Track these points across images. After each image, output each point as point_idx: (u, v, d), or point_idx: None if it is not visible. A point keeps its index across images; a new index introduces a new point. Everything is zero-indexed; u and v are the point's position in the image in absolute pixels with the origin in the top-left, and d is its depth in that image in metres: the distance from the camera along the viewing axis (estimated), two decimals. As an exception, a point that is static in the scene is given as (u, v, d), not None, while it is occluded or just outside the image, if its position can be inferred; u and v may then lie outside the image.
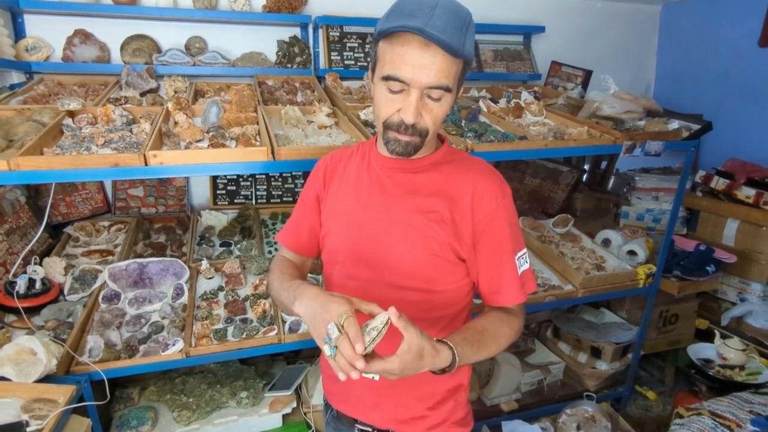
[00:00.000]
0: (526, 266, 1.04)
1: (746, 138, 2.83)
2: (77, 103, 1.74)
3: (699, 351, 2.42)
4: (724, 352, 2.32)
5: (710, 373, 2.25)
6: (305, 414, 1.91)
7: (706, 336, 2.56)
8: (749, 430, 1.31)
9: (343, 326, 0.76)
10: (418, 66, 0.85)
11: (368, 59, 2.61)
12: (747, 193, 2.48)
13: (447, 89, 0.89)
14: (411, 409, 1.10)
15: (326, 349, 0.78)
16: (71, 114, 1.73)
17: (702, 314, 2.69)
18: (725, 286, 2.64)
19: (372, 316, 0.83)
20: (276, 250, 2.20)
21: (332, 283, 1.12)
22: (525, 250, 1.05)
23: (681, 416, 1.56)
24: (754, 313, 2.44)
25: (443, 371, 0.86)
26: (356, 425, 1.15)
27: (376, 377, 0.78)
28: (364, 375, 0.78)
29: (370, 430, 1.13)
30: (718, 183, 2.62)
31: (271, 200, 2.56)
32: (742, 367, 2.27)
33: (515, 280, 1.02)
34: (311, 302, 0.86)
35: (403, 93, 0.89)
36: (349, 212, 1.06)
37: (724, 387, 2.13)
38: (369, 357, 0.77)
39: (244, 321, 1.78)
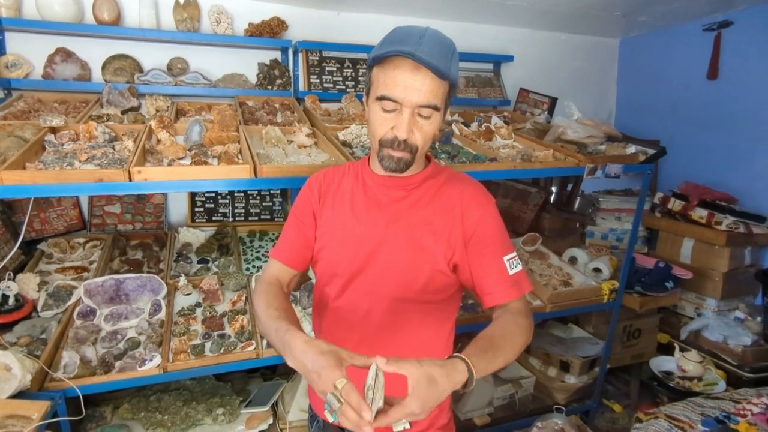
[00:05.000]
0: (518, 268, 1.09)
1: (698, 163, 3.04)
2: (59, 119, 1.76)
3: (660, 364, 2.55)
4: (683, 364, 2.45)
5: (671, 385, 2.37)
6: (282, 430, 1.92)
7: (667, 350, 2.69)
8: (700, 430, 1.41)
9: (341, 395, 0.73)
10: (409, 87, 0.95)
11: (347, 83, 2.71)
12: (700, 213, 2.66)
13: (435, 108, 0.98)
14: None
15: (328, 416, 0.75)
16: (53, 130, 1.74)
17: (663, 329, 2.83)
18: (684, 302, 2.80)
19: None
20: (254, 268, 2.23)
21: (328, 299, 1.16)
22: (515, 253, 1.11)
23: (640, 420, 1.66)
24: (710, 327, 2.59)
25: (465, 386, 0.85)
26: None
27: (407, 425, 0.77)
28: (395, 428, 0.77)
29: None
30: (675, 204, 2.79)
31: (249, 218, 2.59)
32: (700, 379, 2.40)
33: (506, 278, 1.06)
34: (302, 360, 0.83)
35: (396, 112, 0.98)
36: (346, 227, 1.12)
37: (684, 398, 2.24)
38: (383, 411, 0.75)
39: (222, 336, 1.79)
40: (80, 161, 1.54)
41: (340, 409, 0.73)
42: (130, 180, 1.43)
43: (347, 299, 1.12)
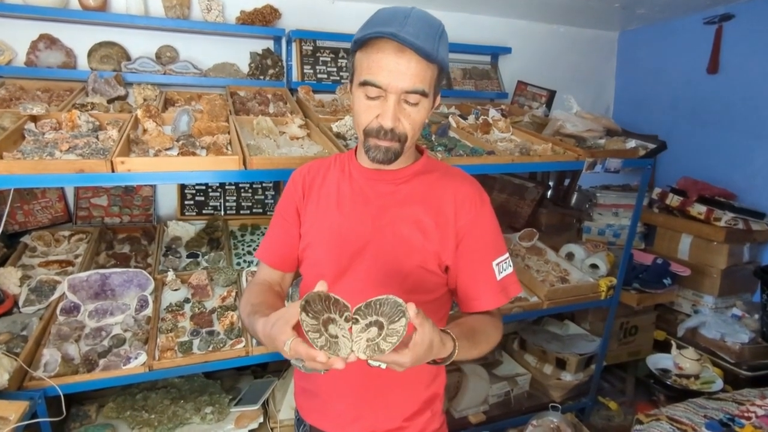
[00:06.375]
0: (508, 270, 1.06)
1: (697, 158, 3.00)
2: (40, 107, 1.69)
3: (657, 361, 2.52)
4: (680, 362, 2.42)
5: (668, 383, 2.34)
6: (272, 429, 1.87)
7: (664, 347, 2.66)
8: (704, 434, 1.38)
9: (290, 352, 0.75)
10: (394, 71, 0.88)
11: (341, 74, 2.65)
12: (699, 209, 2.63)
13: (423, 94, 0.92)
14: (389, 420, 1.10)
15: (302, 370, 0.79)
16: (34, 119, 1.68)
17: (660, 326, 2.80)
18: (681, 299, 2.77)
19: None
20: (245, 263, 2.17)
21: None
22: (507, 255, 1.07)
23: (641, 422, 1.62)
24: (707, 324, 2.56)
25: (435, 362, 0.85)
26: None
27: (383, 365, 0.78)
28: (370, 363, 0.77)
29: None
30: (673, 200, 2.76)
31: (241, 211, 2.53)
32: (696, 377, 2.37)
33: (494, 285, 1.04)
34: (270, 340, 0.82)
35: (381, 99, 0.92)
36: (332, 224, 1.06)
37: (681, 396, 2.22)
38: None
39: (211, 333, 1.74)
40: (61, 151, 1.48)
41: (303, 364, 0.77)
42: (113, 171, 1.37)
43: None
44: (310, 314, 0.74)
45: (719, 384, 2.30)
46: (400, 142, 0.95)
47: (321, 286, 0.75)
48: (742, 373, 2.39)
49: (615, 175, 2.25)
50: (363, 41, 0.90)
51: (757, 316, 2.56)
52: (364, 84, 0.91)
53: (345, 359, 0.74)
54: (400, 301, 0.74)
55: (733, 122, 2.81)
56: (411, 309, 0.73)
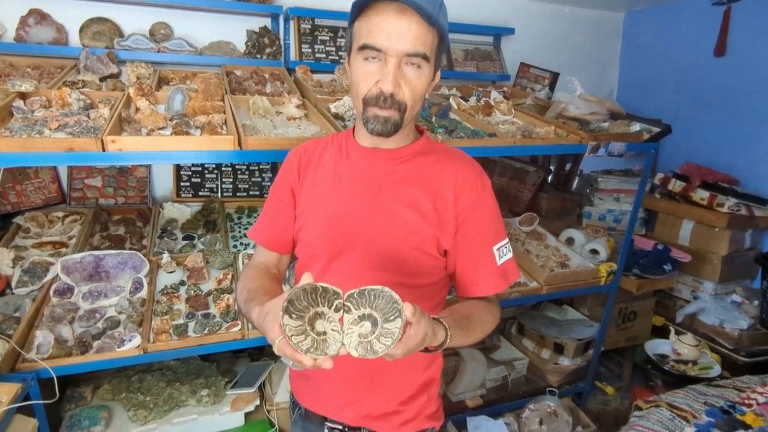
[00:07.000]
0: (508, 256, 1.04)
1: (701, 143, 2.96)
2: (30, 84, 1.65)
3: (655, 347, 2.52)
4: (678, 347, 2.42)
5: (665, 368, 2.34)
6: (269, 412, 1.87)
7: (662, 333, 2.66)
8: (704, 421, 1.36)
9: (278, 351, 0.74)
10: (394, 33, 0.85)
11: (340, 53, 2.59)
12: (701, 195, 2.60)
13: (424, 57, 0.89)
14: (384, 404, 1.08)
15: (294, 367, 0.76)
16: (23, 96, 1.63)
17: (658, 312, 2.79)
18: (680, 285, 2.76)
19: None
20: (242, 246, 2.15)
21: None
22: (506, 240, 1.05)
23: (640, 408, 1.61)
24: (706, 310, 2.55)
25: (427, 350, 0.84)
26: (326, 423, 1.12)
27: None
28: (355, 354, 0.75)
29: (340, 427, 1.10)
30: (675, 185, 2.72)
31: (238, 194, 2.49)
32: (694, 362, 2.37)
33: (494, 270, 1.02)
34: (261, 332, 0.81)
35: (380, 64, 0.89)
36: (328, 205, 1.03)
37: (679, 381, 2.22)
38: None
39: (206, 316, 1.72)
40: (51, 129, 1.44)
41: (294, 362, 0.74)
42: (104, 150, 1.33)
43: (327, 283, 1.04)
44: (293, 315, 0.71)
45: (717, 370, 2.30)
46: (399, 112, 0.92)
47: (306, 279, 0.73)
48: (740, 359, 2.39)
49: (617, 159, 2.22)
50: (362, 5, 0.87)
51: (756, 303, 2.55)
52: (363, 48, 0.88)
53: (334, 356, 0.72)
54: (397, 297, 0.71)
55: (739, 106, 2.76)
56: (407, 309, 0.71)
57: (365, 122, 0.94)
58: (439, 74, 0.99)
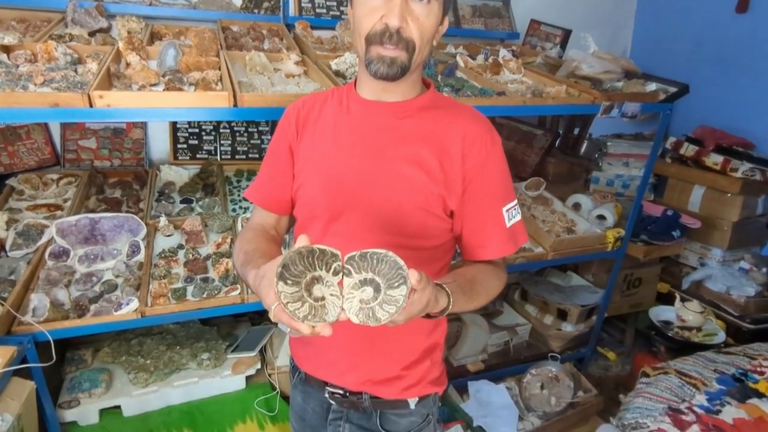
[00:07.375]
0: (517, 218, 1.00)
1: (718, 106, 2.85)
2: (13, 37, 1.55)
3: (659, 313, 2.50)
4: (683, 314, 2.40)
5: (669, 334, 2.33)
6: (270, 375, 1.87)
7: (667, 299, 2.63)
8: (716, 389, 1.34)
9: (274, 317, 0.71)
10: None
11: (341, 8, 2.46)
12: (715, 159, 2.52)
13: None
14: (386, 369, 1.05)
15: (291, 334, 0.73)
16: (6, 49, 1.54)
17: (664, 278, 2.76)
18: (687, 251, 2.71)
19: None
20: (241, 209, 2.10)
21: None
22: (515, 201, 1.00)
23: (647, 375, 1.59)
24: (713, 277, 2.52)
25: (428, 316, 0.81)
26: (326, 388, 1.09)
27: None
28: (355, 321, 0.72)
29: (341, 392, 1.08)
30: (688, 149, 2.64)
31: (236, 156, 2.42)
32: (699, 329, 2.35)
33: (502, 233, 0.97)
34: (258, 296, 0.78)
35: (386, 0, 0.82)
36: (328, 162, 0.97)
37: (682, 347, 2.21)
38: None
39: (205, 280, 1.69)
40: (36, 84, 1.37)
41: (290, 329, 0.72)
42: (91, 106, 1.26)
43: (327, 245, 0.99)
44: (289, 281, 0.66)
45: (721, 336, 2.29)
46: (407, 52, 0.85)
47: (302, 241, 0.68)
48: (744, 326, 2.38)
49: (627, 123, 2.12)
50: None
51: (765, 270, 2.51)
52: None
53: (333, 322, 0.69)
54: (402, 263, 0.66)
55: (759, 67, 2.64)
56: (413, 276, 0.67)
57: (368, 64, 0.87)
58: (447, 21, 0.91)
